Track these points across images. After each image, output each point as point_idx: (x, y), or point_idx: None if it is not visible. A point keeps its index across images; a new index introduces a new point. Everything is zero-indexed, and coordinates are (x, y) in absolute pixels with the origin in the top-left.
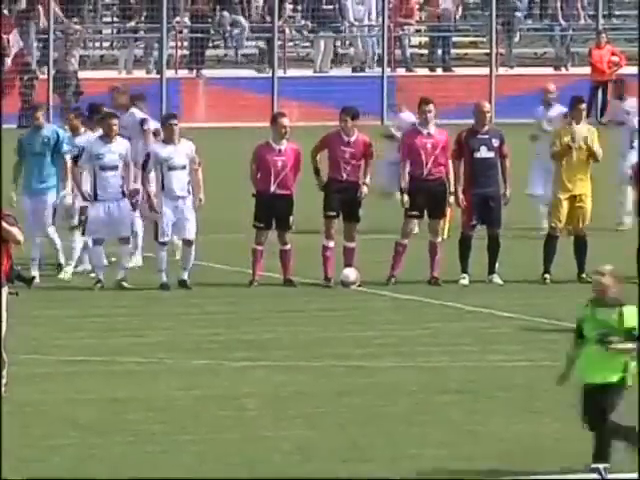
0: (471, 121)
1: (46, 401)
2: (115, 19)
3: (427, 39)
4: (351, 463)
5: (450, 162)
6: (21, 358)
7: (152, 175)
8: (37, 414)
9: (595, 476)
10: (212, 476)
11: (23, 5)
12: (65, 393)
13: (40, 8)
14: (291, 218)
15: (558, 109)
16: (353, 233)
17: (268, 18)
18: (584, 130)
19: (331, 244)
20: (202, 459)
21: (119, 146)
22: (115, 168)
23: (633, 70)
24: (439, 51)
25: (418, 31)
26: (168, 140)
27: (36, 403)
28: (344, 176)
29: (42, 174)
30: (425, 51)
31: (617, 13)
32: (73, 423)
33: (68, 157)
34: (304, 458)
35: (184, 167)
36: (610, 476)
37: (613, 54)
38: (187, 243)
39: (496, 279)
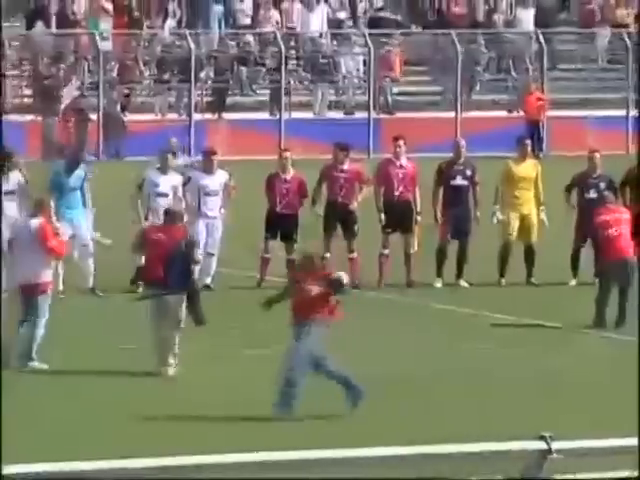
0: (442, 155)
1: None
2: (153, 72)
3: (405, 88)
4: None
5: (417, 188)
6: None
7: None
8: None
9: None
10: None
11: (71, 59)
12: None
13: (83, 63)
14: (297, 234)
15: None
16: (352, 246)
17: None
18: (530, 164)
19: (327, 255)
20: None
21: (172, 178)
22: (166, 195)
23: (562, 113)
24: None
25: (398, 82)
26: (207, 170)
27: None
28: (340, 199)
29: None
30: (404, 98)
31: (560, 67)
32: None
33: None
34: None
35: (217, 193)
36: (613, 441)
37: (539, 99)
38: (210, 255)
39: (463, 283)
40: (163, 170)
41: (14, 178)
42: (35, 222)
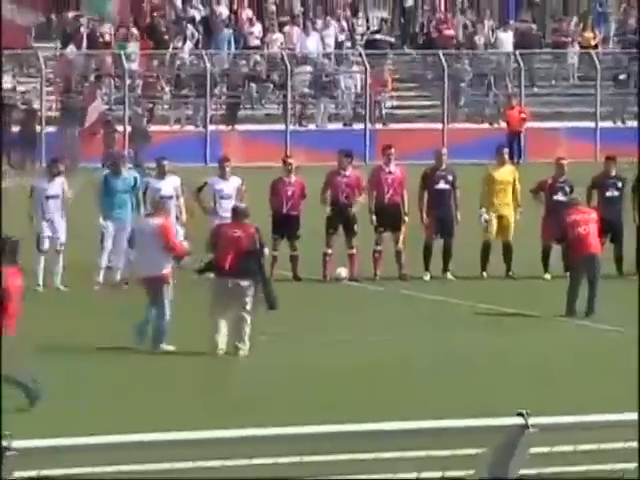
0: (429, 162)
1: None
2: (172, 88)
3: (397, 102)
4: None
5: (405, 192)
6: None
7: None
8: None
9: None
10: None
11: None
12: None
13: (110, 80)
14: (299, 231)
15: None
16: (352, 243)
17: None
18: (508, 170)
19: (329, 251)
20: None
21: (173, 182)
22: (170, 197)
23: (538, 125)
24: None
25: (391, 97)
26: (222, 176)
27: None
28: (341, 201)
29: (122, 207)
30: (397, 111)
31: (537, 84)
32: None
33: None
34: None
35: (231, 197)
36: (615, 416)
37: (521, 112)
38: None
39: (449, 276)
40: (161, 175)
41: (59, 183)
42: (156, 220)
